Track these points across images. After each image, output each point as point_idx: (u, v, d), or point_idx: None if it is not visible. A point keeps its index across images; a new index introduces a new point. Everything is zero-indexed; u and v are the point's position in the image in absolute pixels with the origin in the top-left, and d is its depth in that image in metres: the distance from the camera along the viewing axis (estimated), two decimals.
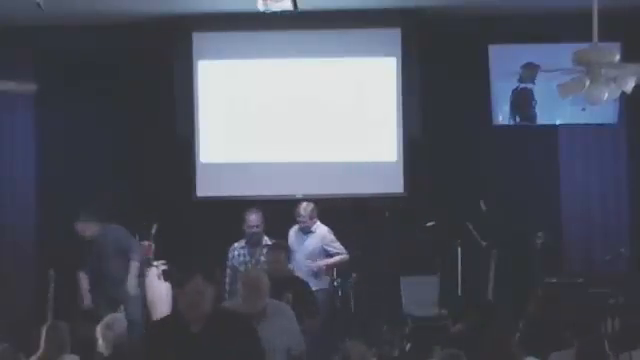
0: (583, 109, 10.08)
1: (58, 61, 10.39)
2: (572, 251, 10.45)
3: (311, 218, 9.35)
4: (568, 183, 10.56)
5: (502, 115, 10.46)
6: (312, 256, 9.26)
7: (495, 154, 10.49)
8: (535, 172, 10.48)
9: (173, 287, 9.30)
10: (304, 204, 9.38)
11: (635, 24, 9.71)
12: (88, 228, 9.21)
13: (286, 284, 7.14)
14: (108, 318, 6.85)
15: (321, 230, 9.38)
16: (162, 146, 10.43)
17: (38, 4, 8.07)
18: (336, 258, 9.34)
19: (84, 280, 9.28)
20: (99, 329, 6.72)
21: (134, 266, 9.15)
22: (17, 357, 6.44)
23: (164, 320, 5.34)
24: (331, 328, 8.93)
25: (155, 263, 9.79)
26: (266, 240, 9.11)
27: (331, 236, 9.38)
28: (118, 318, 7.08)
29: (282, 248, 8.14)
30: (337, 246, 9.36)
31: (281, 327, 5.84)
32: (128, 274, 9.10)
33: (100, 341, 6.71)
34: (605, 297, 8.75)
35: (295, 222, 9.42)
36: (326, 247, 9.33)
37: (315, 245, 9.30)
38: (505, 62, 10.34)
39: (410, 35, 10.39)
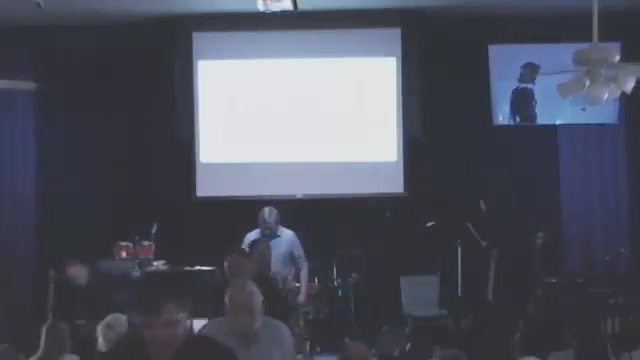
0: (583, 109, 10.09)
1: (58, 61, 10.39)
2: (572, 251, 10.45)
3: (276, 223, 9.09)
4: (568, 183, 10.56)
5: (502, 115, 10.46)
6: (283, 261, 9.01)
7: (495, 154, 10.49)
8: (535, 172, 10.48)
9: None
10: (268, 209, 9.09)
11: (635, 24, 9.71)
12: (80, 272, 8.85)
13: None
14: (109, 318, 6.86)
15: (287, 234, 9.16)
16: (162, 146, 10.43)
17: (38, 4, 8.07)
18: (304, 282, 9.10)
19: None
20: (100, 328, 6.73)
21: None
22: (17, 357, 6.43)
23: (119, 353, 4.33)
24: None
25: (155, 263, 9.80)
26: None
27: (297, 240, 9.17)
28: (119, 318, 7.08)
29: (266, 243, 8.06)
30: (301, 251, 9.16)
31: (275, 352, 4.98)
32: None
33: (100, 340, 6.71)
34: (605, 297, 8.75)
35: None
36: (295, 251, 9.11)
37: (285, 249, 9.07)
38: (505, 62, 10.34)
39: (410, 35, 10.39)
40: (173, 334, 3.66)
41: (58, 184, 10.43)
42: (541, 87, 10.19)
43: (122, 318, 7.18)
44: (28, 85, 9.86)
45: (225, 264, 6.70)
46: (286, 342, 5.14)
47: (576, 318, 6.55)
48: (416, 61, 10.42)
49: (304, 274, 9.08)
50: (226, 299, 4.97)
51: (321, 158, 10.46)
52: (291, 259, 9.07)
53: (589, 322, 6.80)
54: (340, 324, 9.38)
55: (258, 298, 4.90)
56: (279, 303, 6.62)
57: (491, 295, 9.46)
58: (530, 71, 10.22)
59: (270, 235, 8.97)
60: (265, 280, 6.72)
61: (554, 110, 10.32)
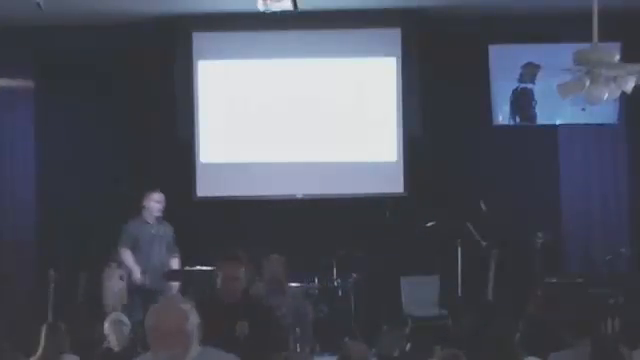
0: (583, 109, 10.09)
1: (58, 61, 10.39)
2: (572, 251, 10.45)
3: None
4: (568, 183, 10.56)
5: (502, 115, 10.46)
6: (168, 250, 9.43)
7: (495, 154, 10.49)
8: (535, 172, 10.47)
9: None
10: (159, 193, 9.46)
11: (635, 24, 9.71)
12: None
13: (242, 309, 5.50)
14: (114, 315, 6.89)
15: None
16: (162, 146, 10.43)
17: (38, 4, 8.07)
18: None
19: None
20: (108, 325, 6.76)
21: None
22: (17, 357, 6.44)
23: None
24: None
25: None
26: None
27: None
28: (120, 314, 7.14)
29: (240, 260, 5.80)
30: None
31: None
32: None
33: (111, 337, 6.74)
34: (605, 297, 8.74)
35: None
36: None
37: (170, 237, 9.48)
38: (505, 62, 10.34)
39: (410, 35, 10.39)
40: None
41: (58, 184, 10.42)
42: (541, 87, 10.19)
43: (122, 315, 7.24)
44: (28, 86, 9.86)
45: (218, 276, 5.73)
46: None
47: (576, 318, 6.54)
48: (416, 61, 10.42)
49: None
50: (145, 325, 3.69)
51: (321, 158, 10.46)
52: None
53: (589, 322, 6.79)
54: (340, 324, 9.37)
55: (192, 320, 3.65)
56: (270, 332, 5.52)
57: (491, 295, 9.45)
58: (530, 71, 10.22)
59: (159, 220, 9.42)
60: (252, 301, 5.85)
61: (554, 110, 10.32)
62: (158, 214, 9.46)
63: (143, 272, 9.32)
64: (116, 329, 6.98)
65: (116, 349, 6.98)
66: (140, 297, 9.15)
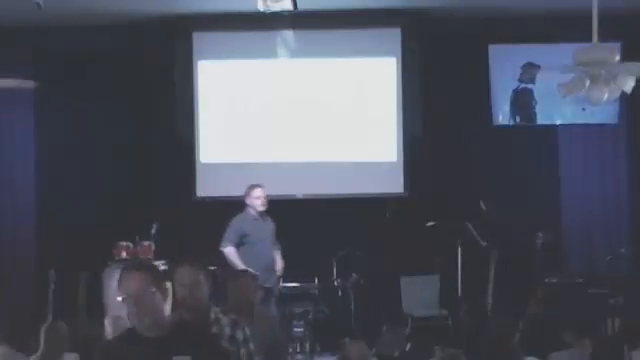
0: (583, 109, 10.10)
1: (58, 61, 10.39)
2: (572, 251, 10.45)
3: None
4: (568, 183, 10.56)
5: (502, 115, 10.47)
6: (273, 244, 9.25)
7: (495, 154, 10.49)
8: (535, 172, 10.47)
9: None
10: (259, 188, 9.24)
11: (635, 24, 9.71)
12: None
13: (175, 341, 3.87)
14: (115, 313, 6.91)
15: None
16: (162, 146, 10.43)
17: (38, 4, 8.06)
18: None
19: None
20: (108, 321, 6.78)
21: None
22: (17, 357, 6.44)
23: None
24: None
25: (155, 263, 9.78)
26: None
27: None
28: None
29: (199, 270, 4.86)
30: None
31: None
32: None
33: (110, 331, 6.75)
34: (605, 297, 8.74)
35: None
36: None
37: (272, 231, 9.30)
38: (505, 62, 10.35)
39: (410, 35, 10.40)
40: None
41: (58, 184, 10.43)
42: (541, 87, 10.19)
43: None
44: (28, 86, 9.85)
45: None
46: None
47: (576, 318, 6.54)
48: (416, 61, 10.42)
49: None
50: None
51: (321, 158, 10.46)
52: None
53: (589, 322, 6.79)
54: (340, 324, 9.38)
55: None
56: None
57: (491, 295, 9.45)
58: (530, 71, 10.23)
59: (263, 215, 9.18)
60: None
61: (554, 110, 10.33)
62: (262, 209, 9.16)
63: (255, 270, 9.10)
64: (115, 324, 6.98)
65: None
66: (266, 297, 8.78)
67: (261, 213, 9.18)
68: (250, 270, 6.78)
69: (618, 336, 7.30)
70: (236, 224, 9.13)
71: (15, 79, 9.68)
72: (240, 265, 8.90)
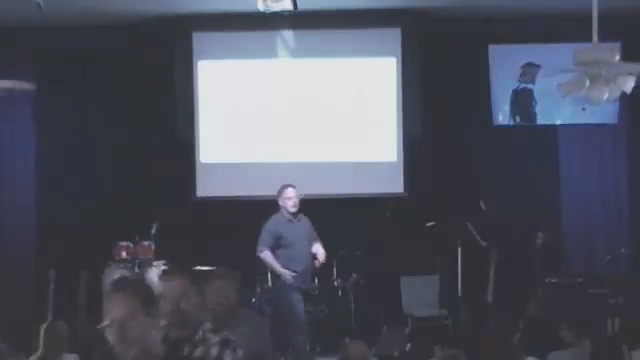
0: (583, 109, 10.10)
1: (58, 61, 10.39)
2: (572, 251, 10.45)
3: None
4: (568, 183, 10.56)
5: (502, 115, 10.47)
6: (310, 243, 9.05)
7: (495, 154, 10.49)
8: (535, 172, 10.47)
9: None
10: (290, 188, 9.06)
11: (635, 24, 9.72)
12: None
13: None
14: None
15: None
16: (162, 146, 10.43)
17: (38, 4, 8.06)
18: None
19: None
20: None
21: None
22: (17, 357, 6.44)
23: None
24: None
25: (155, 263, 9.79)
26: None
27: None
28: None
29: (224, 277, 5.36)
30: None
31: None
32: None
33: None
34: (605, 297, 8.73)
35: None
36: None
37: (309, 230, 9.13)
38: (505, 62, 10.35)
39: (410, 35, 10.40)
40: None
41: (58, 184, 10.43)
42: (541, 87, 10.19)
43: None
44: (28, 86, 9.85)
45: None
46: None
47: (576, 318, 6.54)
48: (416, 61, 10.42)
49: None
50: None
51: (321, 158, 10.46)
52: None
53: (589, 322, 6.79)
54: (340, 324, 9.38)
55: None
56: None
57: (491, 295, 9.45)
58: (530, 71, 10.23)
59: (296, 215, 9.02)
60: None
61: (554, 110, 10.32)
62: (294, 209, 8.99)
63: (291, 272, 8.87)
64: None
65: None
66: (299, 297, 8.86)
67: (294, 214, 9.02)
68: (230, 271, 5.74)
69: (617, 336, 7.29)
70: (270, 226, 8.96)
71: (15, 79, 9.67)
72: (278, 269, 8.82)
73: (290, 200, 8.97)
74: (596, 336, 5.95)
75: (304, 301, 9.00)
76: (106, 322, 3.36)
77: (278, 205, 9.05)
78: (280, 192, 9.03)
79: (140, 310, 3.32)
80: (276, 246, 8.91)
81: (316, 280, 9.54)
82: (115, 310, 3.32)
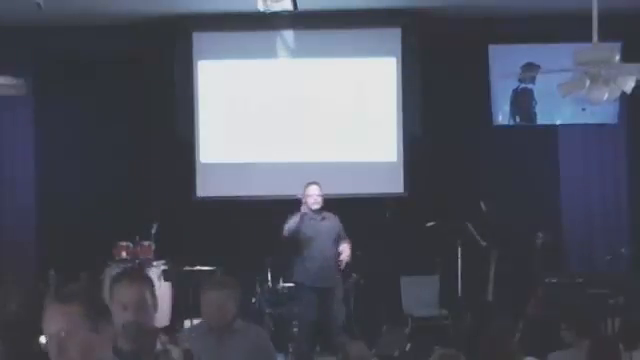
0: (583, 109, 10.10)
1: (58, 61, 10.39)
2: (572, 251, 10.45)
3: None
4: (568, 183, 10.56)
5: (502, 115, 10.47)
6: (334, 242, 8.97)
7: (495, 154, 10.49)
8: (535, 172, 10.48)
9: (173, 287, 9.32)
10: (312, 186, 9.01)
11: (635, 24, 9.71)
12: None
13: None
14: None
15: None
16: (162, 146, 10.44)
17: (38, 4, 8.06)
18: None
19: None
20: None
21: None
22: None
23: None
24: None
25: (155, 263, 9.80)
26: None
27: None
28: None
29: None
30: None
31: None
32: None
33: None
34: (605, 297, 8.73)
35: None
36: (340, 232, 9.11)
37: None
38: (505, 62, 10.34)
39: (410, 35, 10.40)
40: None
41: (58, 184, 10.43)
42: (541, 87, 10.20)
43: None
44: (28, 87, 9.85)
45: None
46: None
47: (576, 318, 6.53)
48: (416, 61, 10.42)
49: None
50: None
51: (321, 158, 10.46)
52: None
53: (589, 322, 6.79)
54: (340, 324, 9.38)
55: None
56: None
57: (491, 295, 9.45)
58: (530, 71, 10.23)
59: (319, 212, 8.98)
60: None
61: (554, 110, 10.33)
62: (314, 207, 8.93)
63: (309, 269, 8.89)
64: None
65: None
66: (312, 296, 8.84)
67: (317, 212, 8.97)
68: (229, 278, 5.28)
69: (614, 336, 7.30)
70: (292, 219, 8.89)
71: (15, 79, 9.67)
72: (292, 223, 8.80)
73: (310, 197, 8.94)
74: (594, 336, 5.95)
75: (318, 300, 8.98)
76: (43, 338, 2.86)
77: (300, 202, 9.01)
78: (304, 189, 9.00)
79: (84, 325, 2.80)
80: (296, 240, 8.88)
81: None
82: (53, 325, 2.81)
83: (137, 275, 3.85)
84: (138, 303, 3.65)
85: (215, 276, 6.39)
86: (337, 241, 8.98)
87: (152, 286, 3.74)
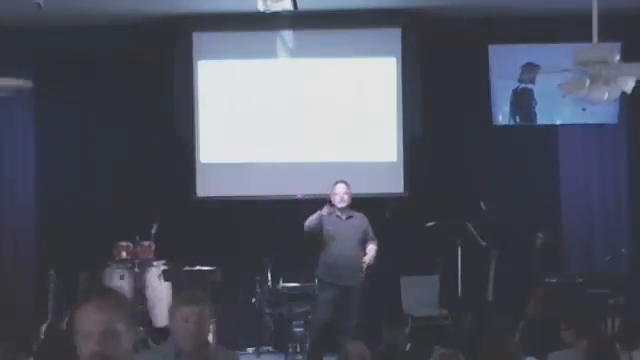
0: (583, 109, 10.09)
1: (58, 61, 10.39)
2: (572, 251, 10.44)
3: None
4: (568, 183, 10.55)
5: (502, 115, 10.46)
6: (360, 241, 9.08)
7: (495, 154, 10.49)
8: (535, 172, 10.47)
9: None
10: (339, 184, 9.13)
11: (635, 24, 9.71)
12: None
13: None
14: None
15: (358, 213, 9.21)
16: (162, 146, 10.43)
17: (38, 4, 8.07)
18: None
19: None
20: None
21: None
22: (17, 357, 6.44)
23: None
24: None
25: (155, 263, 9.80)
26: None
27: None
28: None
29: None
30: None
31: None
32: None
33: None
34: (605, 297, 8.74)
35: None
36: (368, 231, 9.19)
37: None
38: (505, 62, 10.34)
39: (410, 35, 10.39)
40: None
41: (58, 184, 10.43)
42: (541, 87, 10.19)
43: None
44: (28, 87, 9.86)
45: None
46: None
47: (576, 318, 6.54)
48: (416, 61, 10.41)
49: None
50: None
51: (321, 158, 10.45)
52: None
53: (589, 322, 6.80)
54: (340, 324, 9.37)
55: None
56: None
57: (491, 295, 9.45)
58: (530, 71, 10.23)
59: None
60: None
61: (554, 110, 10.32)
62: (340, 205, 9.06)
63: (331, 267, 8.97)
64: None
65: None
66: (331, 294, 8.95)
67: (343, 210, 9.08)
68: (199, 295, 4.51)
69: (611, 336, 7.30)
70: (321, 211, 9.03)
71: (15, 79, 9.68)
72: (310, 220, 8.93)
73: (336, 195, 9.08)
74: (592, 336, 5.95)
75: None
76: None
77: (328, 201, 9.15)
78: (332, 187, 9.15)
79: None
80: (320, 238, 9.00)
81: (316, 280, 9.42)
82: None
83: (106, 297, 2.97)
84: (107, 332, 2.88)
85: (187, 291, 5.54)
86: (363, 241, 9.11)
87: (130, 309, 3.01)
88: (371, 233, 9.18)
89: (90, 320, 2.88)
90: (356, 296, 9.03)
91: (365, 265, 9.05)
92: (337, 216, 9.08)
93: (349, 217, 9.12)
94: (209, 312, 4.37)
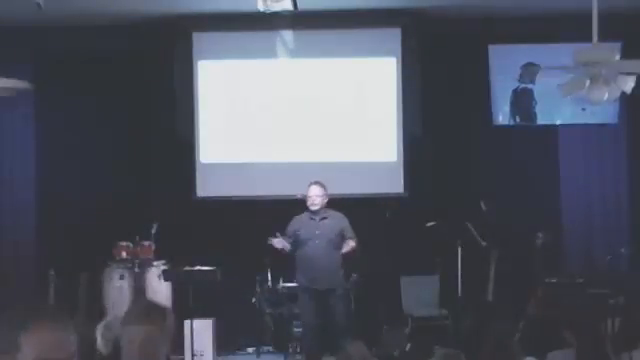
0: (583, 109, 10.09)
1: (58, 61, 10.39)
2: (572, 251, 10.44)
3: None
4: (568, 183, 10.55)
5: (502, 115, 10.46)
6: (335, 244, 8.96)
7: (495, 154, 10.49)
8: (535, 172, 10.47)
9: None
10: (312, 185, 9.07)
11: (635, 24, 9.71)
12: None
13: None
14: (108, 319, 6.87)
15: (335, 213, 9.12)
16: (162, 146, 10.43)
17: (38, 4, 8.06)
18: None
19: None
20: (99, 328, 6.74)
21: None
22: (17, 357, 6.43)
23: None
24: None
25: (155, 263, 9.80)
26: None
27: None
28: (117, 319, 7.09)
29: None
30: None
31: None
32: None
33: (99, 340, 6.73)
34: (605, 297, 8.74)
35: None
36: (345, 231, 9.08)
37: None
38: (505, 62, 10.34)
39: (410, 35, 10.39)
40: None
41: (58, 184, 10.43)
42: (541, 87, 10.19)
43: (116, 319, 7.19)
44: (28, 87, 9.85)
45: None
46: None
47: (576, 318, 6.54)
48: (416, 61, 10.41)
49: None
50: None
51: (321, 158, 10.45)
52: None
53: (589, 322, 6.80)
54: (340, 324, 9.38)
55: None
56: None
57: (491, 295, 9.45)
58: (530, 71, 10.23)
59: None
60: None
61: (554, 110, 10.32)
62: (313, 208, 8.95)
63: (304, 271, 8.92)
64: (104, 333, 6.97)
65: (104, 352, 6.97)
66: (309, 298, 8.89)
67: (317, 212, 8.99)
68: (152, 310, 3.67)
69: (603, 337, 7.29)
70: (292, 221, 9.02)
71: (15, 79, 9.67)
72: (289, 226, 8.89)
73: (309, 198, 9.00)
74: (582, 337, 5.94)
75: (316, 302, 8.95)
76: None
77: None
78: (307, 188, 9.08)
79: None
80: (295, 242, 8.93)
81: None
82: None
83: (60, 313, 2.60)
84: (57, 348, 2.56)
85: (139, 303, 4.98)
86: (339, 242, 8.95)
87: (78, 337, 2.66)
88: (350, 233, 9.01)
89: (40, 337, 2.56)
90: (338, 298, 8.91)
91: (343, 252, 8.90)
92: (311, 218, 8.99)
93: (322, 218, 8.99)
94: (165, 332, 3.50)
